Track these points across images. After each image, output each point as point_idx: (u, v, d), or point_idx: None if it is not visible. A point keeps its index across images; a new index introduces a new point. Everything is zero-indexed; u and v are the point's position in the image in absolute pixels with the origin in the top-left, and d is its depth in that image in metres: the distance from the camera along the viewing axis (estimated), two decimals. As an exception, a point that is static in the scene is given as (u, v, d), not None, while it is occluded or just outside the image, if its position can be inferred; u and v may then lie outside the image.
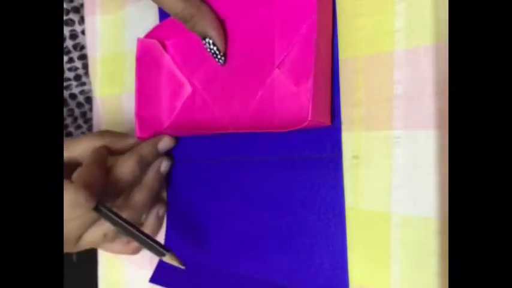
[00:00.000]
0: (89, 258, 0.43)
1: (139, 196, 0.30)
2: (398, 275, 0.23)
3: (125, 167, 0.29)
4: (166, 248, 0.27)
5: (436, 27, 0.21)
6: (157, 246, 0.27)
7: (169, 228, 0.34)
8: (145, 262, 0.36)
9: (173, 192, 0.34)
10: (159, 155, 0.32)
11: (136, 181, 0.30)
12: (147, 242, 0.27)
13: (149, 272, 0.36)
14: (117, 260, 0.39)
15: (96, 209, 0.27)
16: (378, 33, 0.23)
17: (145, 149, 0.31)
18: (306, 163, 0.26)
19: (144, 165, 0.31)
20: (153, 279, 0.34)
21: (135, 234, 0.27)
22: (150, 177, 0.31)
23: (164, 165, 0.32)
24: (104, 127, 0.41)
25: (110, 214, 0.27)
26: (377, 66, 0.23)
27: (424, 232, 0.22)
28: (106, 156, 0.30)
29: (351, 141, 0.24)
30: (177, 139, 0.33)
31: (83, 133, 0.56)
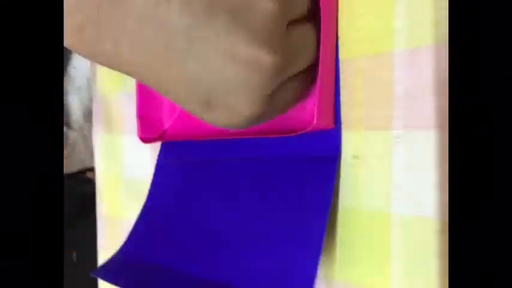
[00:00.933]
0: (89, 258, 0.43)
1: None
2: (398, 275, 0.23)
3: None
4: None
5: (436, 27, 0.21)
6: None
7: (138, 223, 0.33)
8: (145, 262, 0.36)
9: (156, 190, 0.33)
10: None
11: None
12: None
13: (149, 272, 0.36)
14: (117, 260, 0.39)
15: None
16: (378, 33, 0.23)
17: None
18: (303, 162, 0.26)
19: None
20: (96, 272, 0.31)
21: None
22: None
23: None
24: (104, 126, 0.41)
25: None
26: (377, 66, 0.23)
27: (424, 232, 0.22)
28: None
29: (351, 141, 0.24)
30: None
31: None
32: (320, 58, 0.23)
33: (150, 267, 0.30)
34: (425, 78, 0.22)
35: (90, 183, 0.78)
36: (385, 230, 0.23)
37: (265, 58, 0.20)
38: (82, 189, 0.80)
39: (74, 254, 0.75)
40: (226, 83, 0.21)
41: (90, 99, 0.52)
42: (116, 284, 0.29)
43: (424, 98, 0.22)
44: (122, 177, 0.39)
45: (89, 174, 0.88)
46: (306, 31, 0.23)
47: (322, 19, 0.23)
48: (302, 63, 0.23)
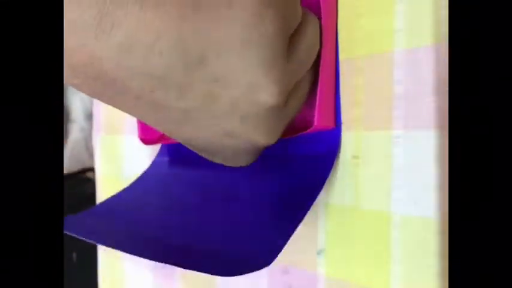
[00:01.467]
0: (89, 258, 0.43)
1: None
2: (398, 275, 0.23)
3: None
4: None
5: (436, 27, 0.21)
6: None
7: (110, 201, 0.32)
8: (146, 262, 0.36)
9: (141, 181, 0.33)
10: None
11: None
12: None
13: (149, 272, 0.36)
14: (117, 260, 0.39)
15: None
16: (378, 33, 0.23)
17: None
18: (302, 162, 0.26)
19: None
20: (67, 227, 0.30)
21: None
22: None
23: None
24: (104, 127, 0.41)
25: None
26: (377, 66, 0.23)
27: (424, 232, 0.22)
28: None
29: (351, 141, 0.24)
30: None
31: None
32: (321, 59, 0.23)
33: (121, 228, 0.28)
34: (425, 78, 0.22)
35: (90, 183, 0.79)
36: (385, 230, 0.23)
37: (262, 140, 0.21)
38: (82, 189, 0.80)
39: (74, 254, 0.75)
40: (226, 150, 0.22)
41: (91, 100, 0.52)
42: (87, 237, 0.27)
43: (424, 98, 0.22)
44: (122, 177, 0.39)
45: (89, 174, 0.88)
46: (307, 42, 0.23)
47: (322, 20, 0.23)
48: (305, 71, 0.23)
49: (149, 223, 0.28)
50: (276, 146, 0.27)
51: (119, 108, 0.22)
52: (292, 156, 0.26)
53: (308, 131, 0.23)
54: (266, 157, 0.27)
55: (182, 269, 0.34)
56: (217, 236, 0.24)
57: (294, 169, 0.25)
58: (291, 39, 0.21)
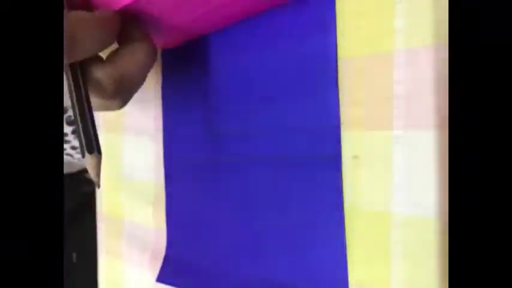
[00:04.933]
0: (89, 258, 0.43)
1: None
2: (398, 275, 0.23)
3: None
4: (98, 149, 0.24)
5: (436, 27, 0.21)
6: (90, 143, 0.23)
7: (169, 226, 0.34)
8: (146, 262, 0.36)
9: (172, 191, 0.34)
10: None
11: None
12: (86, 130, 0.23)
13: (149, 272, 0.36)
14: (117, 260, 0.39)
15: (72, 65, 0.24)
16: (378, 33, 0.23)
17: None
18: (305, 162, 0.26)
19: None
20: (160, 279, 0.34)
21: (82, 115, 0.23)
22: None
23: None
24: (104, 126, 0.41)
25: (79, 77, 0.24)
26: (377, 66, 0.23)
27: (424, 232, 0.22)
28: None
29: (351, 141, 0.24)
30: (176, 135, 0.33)
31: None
32: None
33: (199, 268, 0.32)
34: (425, 78, 0.22)
35: (90, 183, 0.79)
36: (385, 230, 0.23)
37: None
38: (82, 189, 0.80)
39: (74, 254, 0.75)
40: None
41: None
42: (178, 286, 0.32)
43: (424, 98, 0.22)
44: (122, 177, 0.39)
45: (89, 174, 0.88)
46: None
47: None
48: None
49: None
50: (277, 147, 0.27)
51: None
52: (297, 157, 0.26)
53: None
54: (272, 160, 0.27)
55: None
56: (281, 262, 0.27)
57: (304, 173, 0.26)
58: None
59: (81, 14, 0.23)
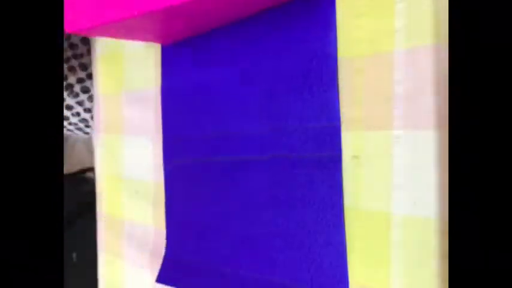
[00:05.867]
0: (89, 258, 0.43)
1: None
2: (398, 275, 0.23)
3: None
4: None
5: (436, 27, 0.21)
6: None
7: (169, 227, 0.34)
8: (146, 262, 0.36)
9: (172, 192, 0.34)
10: None
11: None
12: None
13: (149, 272, 0.36)
14: (117, 260, 0.39)
15: None
16: (378, 33, 0.23)
17: None
18: (305, 162, 0.26)
19: None
20: (160, 279, 0.34)
21: None
22: None
23: None
24: (104, 126, 0.41)
25: None
26: (377, 66, 0.23)
27: (424, 232, 0.22)
28: None
29: (351, 141, 0.24)
30: (177, 139, 0.33)
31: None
32: None
33: (199, 268, 0.32)
34: (425, 78, 0.22)
35: (90, 183, 0.78)
36: (385, 230, 0.23)
37: None
38: (82, 189, 0.80)
39: (74, 254, 0.75)
40: None
41: (91, 100, 0.52)
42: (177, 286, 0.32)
43: (424, 98, 0.22)
44: (122, 177, 0.39)
45: (89, 174, 0.88)
46: None
47: None
48: None
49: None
50: (278, 147, 0.27)
51: None
52: (297, 157, 0.26)
53: None
54: (272, 159, 0.27)
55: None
56: (281, 261, 0.27)
57: (304, 172, 0.26)
58: None
59: None
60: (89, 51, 0.46)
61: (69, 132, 0.54)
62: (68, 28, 0.26)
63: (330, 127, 0.25)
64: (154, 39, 0.33)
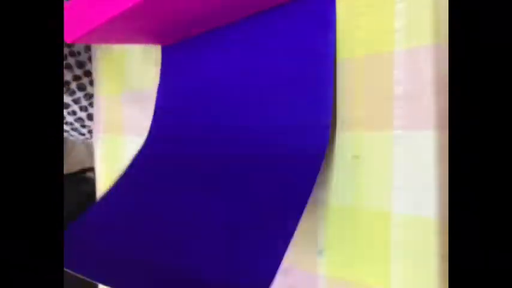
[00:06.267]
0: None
1: None
2: (398, 275, 0.23)
3: None
4: None
5: (436, 27, 0.21)
6: None
7: (96, 210, 0.32)
8: (145, 262, 0.36)
9: (122, 186, 0.33)
10: None
11: None
12: None
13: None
14: (117, 260, 0.39)
15: None
16: (378, 33, 0.23)
17: None
18: (286, 160, 0.25)
19: None
20: (67, 265, 0.31)
21: None
22: None
23: None
24: (104, 126, 0.41)
25: None
26: (377, 66, 0.23)
27: (424, 232, 0.22)
28: None
29: (351, 141, 0.24)
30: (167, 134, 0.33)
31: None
32: None
33: (112, 258, 0.28)
34: (425, 78, 0.22)
35: (90, 183, 0.79)
36: (385, 230, 0.23)
37: None
38: (82, 189, 0.80)
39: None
40: None
41: (91, 100, 0.52)
42: (87, 276, 0.27)
43: (424, 98, 0.22)
44: (121, 177, 0.39)
45: (89, 174, 0.88)
46: None
47: None
48: None
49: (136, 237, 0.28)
50: (263, 146, 0.27)
51: None
52: (280, 156, 0.26)
53: None
54: (252, 158, 0.27)
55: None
56: (210, 260, 0.24)
57: (282, 170, 0.25)
58: None
59: None
60: (86, 49, 0.47)
61: (65, 134, 0.54)
62: (67, 38, 0.26)
63: (319, 127, 0.25)
64: (154, 41, 0.33)
